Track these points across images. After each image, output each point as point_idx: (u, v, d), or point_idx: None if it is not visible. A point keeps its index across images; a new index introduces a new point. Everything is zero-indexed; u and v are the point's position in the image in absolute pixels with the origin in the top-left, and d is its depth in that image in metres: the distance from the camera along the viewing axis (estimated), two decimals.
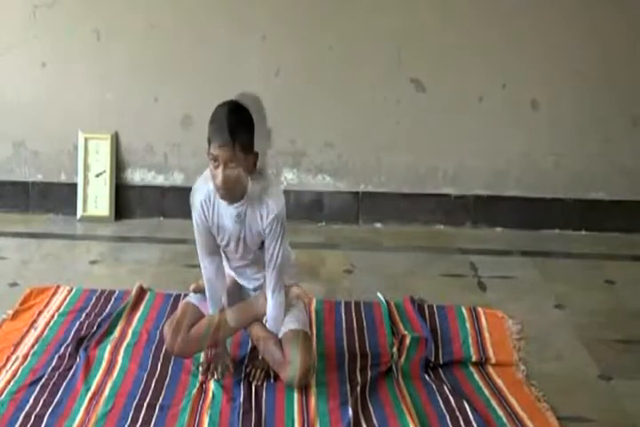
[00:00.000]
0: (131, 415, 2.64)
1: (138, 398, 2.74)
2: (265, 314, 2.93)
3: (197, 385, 2.82)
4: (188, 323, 2.90)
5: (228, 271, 3.05)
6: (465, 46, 4.41)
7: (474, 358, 3.06)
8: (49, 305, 3.42)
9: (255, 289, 3.03)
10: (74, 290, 3.57)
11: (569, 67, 4.41)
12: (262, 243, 2.84)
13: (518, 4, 4.36)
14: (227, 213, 2.78)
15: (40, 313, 3.35)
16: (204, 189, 2.78)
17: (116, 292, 3.56)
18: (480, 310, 3.47)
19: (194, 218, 2.82)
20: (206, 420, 2.63)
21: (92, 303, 3.45)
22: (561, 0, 4.35)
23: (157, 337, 3.16)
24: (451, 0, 4.37)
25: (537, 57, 4.41)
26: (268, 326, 2.93)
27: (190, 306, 2.98)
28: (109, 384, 2.82)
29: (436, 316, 3.42)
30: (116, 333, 3.19)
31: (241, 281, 3.06)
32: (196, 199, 2.79)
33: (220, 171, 2.62)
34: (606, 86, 4.44)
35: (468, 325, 3.35)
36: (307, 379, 2.80)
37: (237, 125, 2.64)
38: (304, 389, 2.81)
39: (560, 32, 4.37)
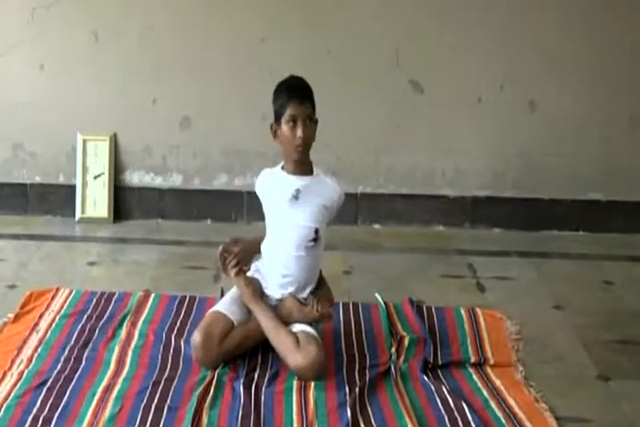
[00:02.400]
0: (139, 417, 2.63)
1: (146, 399, 2.73)
2: (293, 319, 2.99)
3: (203, 386, 2.81)
4: (219, 333, 2.91)
5: (256, 274, 3.11)
6: (463, 47, 4.42)
7: (472, 359, 3.05)
8: (50, 308, 3.41)
9: (279, 300, 3.06)
10: (74, 292, 3.55)
11: (567, 68, 4.42)
12: (316, 232, 2.98)
13: (516, 5, 4.36)
14: (285, 186, 3.01)
15: (41, 316, 3.34)
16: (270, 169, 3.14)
17: (117, 294, 3.54)
18: (478, 310, 3.47)
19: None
20: (205, 420, 2.62)
21: (92, 305, 3.43)
22: (558, 2, 4.36)
23: (164, 339, 3.15)
24: (448, 2, 4.38)
25: (535, 58, 4.42)
26: None
27: (219, 315, 2.98)
28: (117, 386, 2.80)
29: (435, 317, 3.41)
30: (122, 335, 3.18)
31: (270, 287, 3.07)
32: (263, 171, 3.17)
33: (299, 128, 2.94)
34: (604, 87, 4.44)
35: (466, 326, 3.35)
36: (315, 371, 2.82)
37: (309, 88, 3.03)
38: (303, 390, 2.81)
39: (558, 33, 4.38)
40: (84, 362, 2.95)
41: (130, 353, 3.03)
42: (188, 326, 3.25)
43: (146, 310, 3.40)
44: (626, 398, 2.85)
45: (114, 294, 3.54)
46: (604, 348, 3.21)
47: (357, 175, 4.60)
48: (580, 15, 4.36)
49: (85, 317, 3.33)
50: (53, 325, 3.26)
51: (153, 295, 3.55)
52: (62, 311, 3.37)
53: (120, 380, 2.84)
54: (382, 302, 3.48)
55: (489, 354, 3.11)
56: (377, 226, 4.65)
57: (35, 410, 2.64)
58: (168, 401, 2.72)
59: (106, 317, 3.33)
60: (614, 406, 2.81)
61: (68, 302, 3.46)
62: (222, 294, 3.28)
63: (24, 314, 3.36)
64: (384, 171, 4.60)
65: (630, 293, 3.77)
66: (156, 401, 2.72)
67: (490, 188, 4.60)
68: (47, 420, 2.59)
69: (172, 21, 4.42)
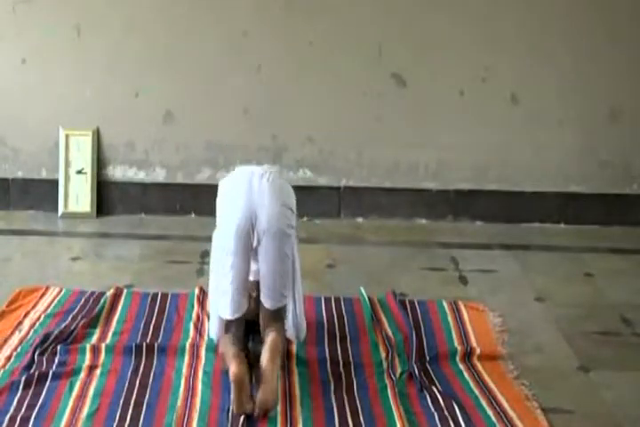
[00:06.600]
0: (118, 414, 2.62)
1: (124, 396, 2.72)
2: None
3: (183, 383, 2.81)
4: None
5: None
6: (445, 41, 4.43)
7: (459, 349, 3.06)
8: (37, 306, 3.37)
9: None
10: (63, 291, 3.51)
11: (548, 61, 4.44)
12: None
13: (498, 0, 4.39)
14: None
15: (27, 314, 3.30)
16: None
17: (106, 293, 3.48)
18: (461, 303, 3.49)
19: None
20: (195, 416, 2.62)
21: (80, 305, 3.38)
22: None
23: (139, 335, 3.15)
24: None
25: (517, 51, 4.44)
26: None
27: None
28: (93, 384, 2.80)
29: (418, 310, 3.42)
30: (97, 333, 3.16)
31: None
32: None
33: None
34: (585, 81, 4.47)
35: (449, 318, 3.37)
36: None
37: None
38: (287, 386, 2.81)
39: (539, 27, 4.40)
40: (57, 361, 2.91)
41: (103, 351, 2.99)
42: (163, 323, 3.27)
43: (119, 309, 3.36)
44: (606, 389, 2.88)
45: (103, 293, 3.48)
46: (585, 339, 3.24)
47: (340, 169, 4.61)
48: (562, 10, 4.38)
49: (71, 316, 3.27)
50: (37, 324, 3.22)
51: (125, 293, 3.50)
52: (49, 310, 3.33)
53: (96, 377, 2.83)
54: (366, 298, 3.48)
55: (474, 344, 3.12)
56: (360, 219, 4.67)
57: (12, 410, 2.62)
58: (146, 397, 2.72)
59: (90, 316, 3.27)
60: (594, 396, 2.83)
61: (55, 301, 3.42)
62: (202, 290, 3.31)
63: (9, 312, 3.32)
64: (367, 164, 4.62)
65: (611, 284, 3.80)
66: (133, 397, 2.71)
67: (472, 181, 4.62)
68: (25, 420, 2.57)
69: (154, 15, 4.41)
